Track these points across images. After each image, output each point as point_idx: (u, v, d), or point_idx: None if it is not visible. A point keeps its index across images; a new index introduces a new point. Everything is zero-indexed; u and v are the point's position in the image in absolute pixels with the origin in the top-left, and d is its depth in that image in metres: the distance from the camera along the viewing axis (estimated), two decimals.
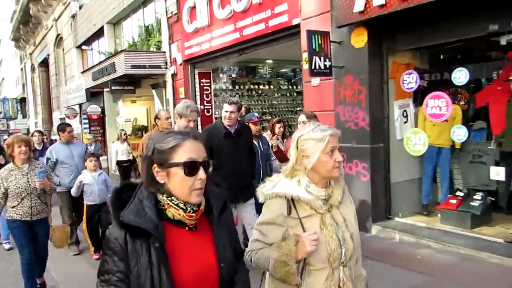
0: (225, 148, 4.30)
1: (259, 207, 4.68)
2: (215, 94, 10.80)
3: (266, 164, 5.36)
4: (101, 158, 6.92)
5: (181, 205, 1.47)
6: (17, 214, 4.20)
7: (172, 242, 1.45)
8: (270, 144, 5.22)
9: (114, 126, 14.65)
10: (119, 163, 10.62)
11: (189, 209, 1.48)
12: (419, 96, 6.16)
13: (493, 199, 5.81)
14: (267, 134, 5.99)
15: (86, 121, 16.04)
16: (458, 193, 5.92)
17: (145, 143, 4.49)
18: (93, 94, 15.23)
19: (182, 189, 1.46)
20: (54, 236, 4.58)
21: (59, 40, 20.04)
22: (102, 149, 12.77)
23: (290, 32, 7.08)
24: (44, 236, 4.45)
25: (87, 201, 5.60)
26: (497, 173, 5.17)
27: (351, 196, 2.09)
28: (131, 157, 10.59)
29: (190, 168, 1.45)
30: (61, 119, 19.32)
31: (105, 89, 13.76)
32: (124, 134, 10.79)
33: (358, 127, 5.86)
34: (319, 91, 6.53)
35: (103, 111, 15.17)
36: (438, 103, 5.27)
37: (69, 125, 6.40)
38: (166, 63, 10.82)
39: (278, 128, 5.86)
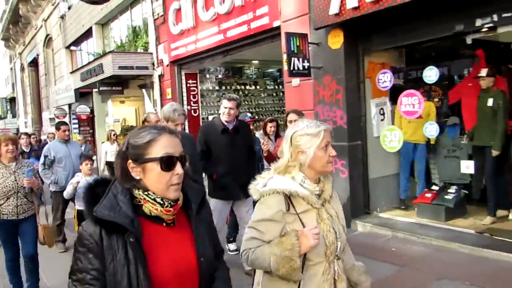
0: (222, 144, 4.32)
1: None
2: (201, 94, 10.96)
3: (258, 165, 5.28)
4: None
5: (158, 200, 1.43)
6: (2, 213, 4.12)
7: (149, 238, 1.41)
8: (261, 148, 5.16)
9: (103, 127, 14.77)
10: (109, 163, 10.72)
11: (166, 203, 1.44)
12: (395, 94, 6.38)
13: (466, 192, 6.06)
14: (259, 134, 5.97)
15: (76, 121, 16.14)
16: (433, 187, 6.16)
17: None
18: (82, 95, 15.35)
19: (159, 184, 1.42)
20: (45, 235, 4.47)
21: (48, 40, 20.06)
22: (92, 150, 12.88)
23: (272, 34, 7.27)
24: (31, 233, 4.36)
25: (79, 206, 5.27)
26: (467, 167, 5.41)
27: None
28: None
29: (167, 163, 1.41)
30: (50, 119, 19.37)
31: (94, 90, 13.87)
32: (114, 135, 10.71)
33: (337, 125, 6.06)
34: (299, 91, 6.74)
35: (92, 112, 15.27)
36: (411, 101, 5.49)
37: (65, 123, 6.40)
38: (153, 64, 10.97)
39: (270, 128, 5.80)
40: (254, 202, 1.96)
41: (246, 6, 7.61)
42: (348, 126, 6.01)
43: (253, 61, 12.02)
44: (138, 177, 1.43)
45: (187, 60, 9.97)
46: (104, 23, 14.58)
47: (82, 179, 5.19)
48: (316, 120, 2.13)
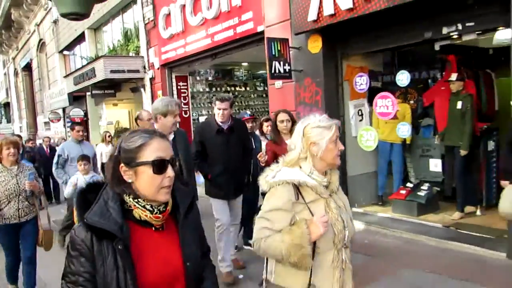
0: (217, 144, 4.33)
1: (250, 200, 4.86)
2: (192, 96, 11.30)
3: (257, 162, 5.19)
4: None
5: (148, 207, 1.47)
6: (4, 218, 4.12)
7: (138, 243, 1.45)
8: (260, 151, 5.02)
9: (97, 129, 15.04)
10: (103, 165, 10.89)
11: (155, 210, 1.48)
12: (374, 96, 6.69)
13: (438, 189, 6.38)
14: (259, 132, 5.84)
15: (70, 124, 16.36)
16: (408, 184, 6.49)
17: None
18: (76, 98, 15.62)
19: (150, 187, 1.45)
20: (45, 240, 4.41)
21: (41, 45, 20.27)
22: None
23: (256, 38, 7.59)
24: (31, 235, 4.35)
25: None
26: (436, 165, 5.76)
27: None
28: None
29: (159, 166, 1.45)
30: (45, 123, 19.61)
31: (87, 93, 14.15)
32: (109, 136, 10.71)
33: None
34: (282, 93, 7.06)
35: (86, 115, 15.53)
36: (385, 103, 5.81)
37: (80, 124, 6.61)
38: (144, 67, 11.28)
39: (266, 127, 5.69)
40: (263, 194, 2.04)
41: (232, 12, 7.93)
42: None
43: (243, 63, 12.33)
44: (130, 180, 1.46)
45: (177, 63, 10.29)
46: (96, 28, 14.88)
47: (80, 178, 5.37)
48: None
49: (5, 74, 31.92)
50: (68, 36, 16.44)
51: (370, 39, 5.95)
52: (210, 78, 11.90)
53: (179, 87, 10.82)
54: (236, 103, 12.47)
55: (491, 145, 6.00)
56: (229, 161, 4.33)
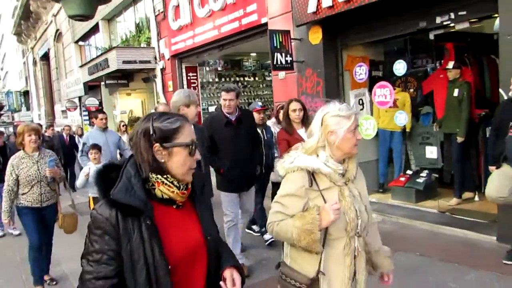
0: (227, 137, 4.29)
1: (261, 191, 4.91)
2: (201, 86, 11.54)
3: (269, 153, 5.26)
4: None
5: (175, 183, 1.53)
6: (27, 201, 4.29)
7: (161, 220, 1.49)
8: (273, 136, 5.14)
9: (111, 118, 15.42)
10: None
11: (182, 186, 1.54)
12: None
13: (437, 176, 6.54)
14: (271, 122, 5.84)
15: (86, 113, 16.84)
16: (408, 171, 6.66)
17: None
18: (91, 87, 16.02)
19: (183, 167, 1.52)
20: (65, 222, 4.57)
21: (58, 35, 20.71)
22: None
23: (260, 29, 7.76)
24: (51, 221, 4.54)
25: (92, 194, 5.39)
26: (432, 152, 5.91)
27: None
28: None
29: (194, 148, 1.55)
30: (62, 111, 20.12)
31: (102, 83, 14.52)
32: (124, 126, 10.95)
33: None
34: (285, 83, 7.26)
35: (100, 104, 15.94)
36: (383, 92, 5.93)
37: (103, 112, 6.66)
38: (155, 58, 11.56)
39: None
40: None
41: (237, 4, 8.11)
42: None
43: (251, 54, 12.49)
44: (162, 160, 1.50)
45: (186, 54, 10.54)
46: (109, 19, 15.19)
47: (92, 167, 5.27)
48: None
49: (24, 63, 32.67)
50: (83, 27, 16.78)
51: (367, 29, 6.09)
52: (219, 69, 12.09)
53: (189, 77, 11.08)
54: (245, 93, 12.70)
55: (489, 131, 6.10)
56: (240, 152, 4.30)
